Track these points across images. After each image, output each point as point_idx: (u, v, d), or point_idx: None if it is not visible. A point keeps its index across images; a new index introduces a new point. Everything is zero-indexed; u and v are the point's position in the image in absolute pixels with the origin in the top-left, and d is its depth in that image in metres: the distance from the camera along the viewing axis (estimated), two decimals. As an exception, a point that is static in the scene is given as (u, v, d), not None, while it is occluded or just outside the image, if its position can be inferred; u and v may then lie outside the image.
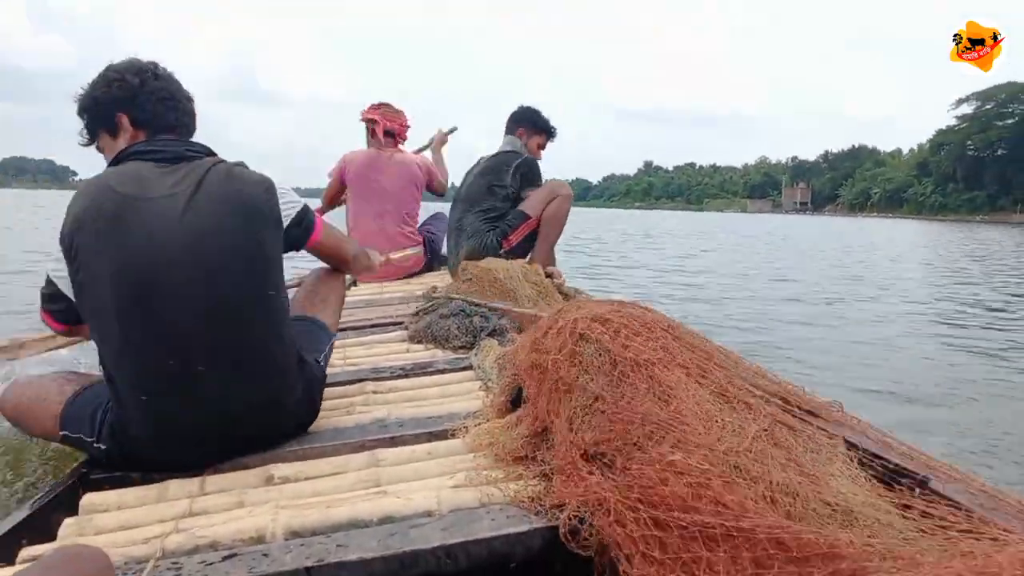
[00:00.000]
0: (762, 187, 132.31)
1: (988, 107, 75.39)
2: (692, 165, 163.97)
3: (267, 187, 1.43)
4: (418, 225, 4.07)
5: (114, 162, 1.39)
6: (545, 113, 3.75)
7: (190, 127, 1.50)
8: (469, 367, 1.99)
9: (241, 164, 1.46)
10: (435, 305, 2.49)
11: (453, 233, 3.54)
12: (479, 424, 1.45)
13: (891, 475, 1.01)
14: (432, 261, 4.10)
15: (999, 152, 74.07)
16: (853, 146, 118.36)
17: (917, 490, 0.98)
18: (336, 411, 1.69)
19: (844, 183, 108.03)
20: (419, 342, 2.33)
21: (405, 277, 3.91)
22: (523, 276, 2.65)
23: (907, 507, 0.94)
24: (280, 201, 1.45)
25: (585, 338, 1.23)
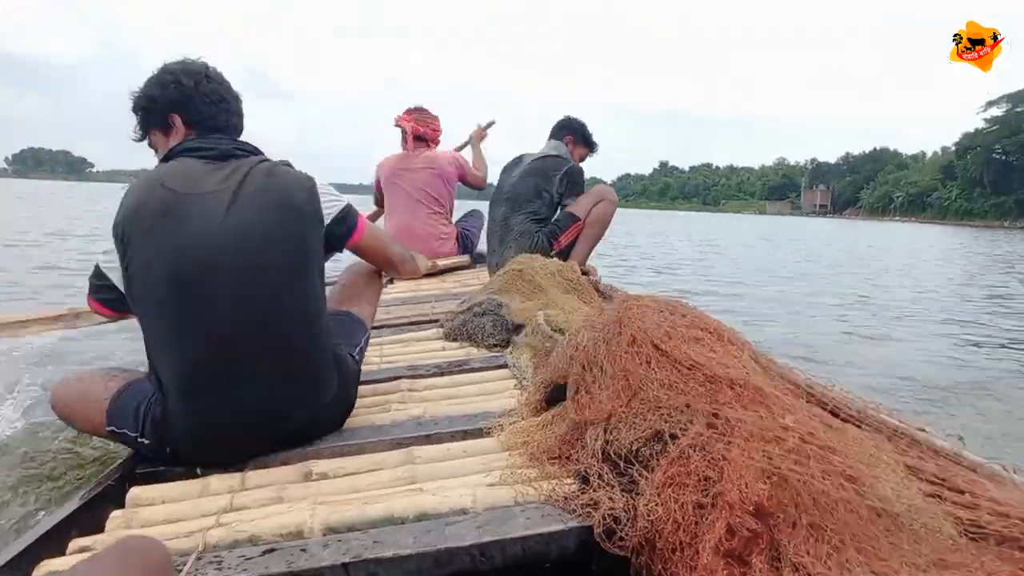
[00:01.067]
0: (780, 189, 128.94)
1: (1019, 110, 71.96)
2: (708, 165, 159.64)
3: (309, 185, 1.47)
4: (455, 220, 4.14)
5: (165, 158, 1.46)
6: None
7: (239, 127, 1.56)
8: (504, 365, 1.99)
9: (286, 163, 1.52)
10: (470, 304, 2.49)
11: (497, 231, 3.51)
12: (514, 423, 1.45)
13: (939, 481, 0.97)
14: (468, 253, 4.13)
15: (1029, 157, 70.83)
16: (875, 148, 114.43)
17: (967, 495, 0.94)
18: (373, 408, 1.70)
19: (865, 186, 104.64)
20: (455, 340, 2.34)
21: (440, 274, 3.95)
22: (558, 272, 2.64)
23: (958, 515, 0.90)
24: (321, 199, 1.49)
25: (636, 340, 1.22)
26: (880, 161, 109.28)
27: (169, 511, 1.21)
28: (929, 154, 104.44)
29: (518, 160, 3.63)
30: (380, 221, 4.16)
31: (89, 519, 1.20)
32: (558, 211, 3.50)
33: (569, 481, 1.14)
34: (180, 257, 1.30)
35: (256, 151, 1.51)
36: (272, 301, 1.36)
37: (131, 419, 1.39)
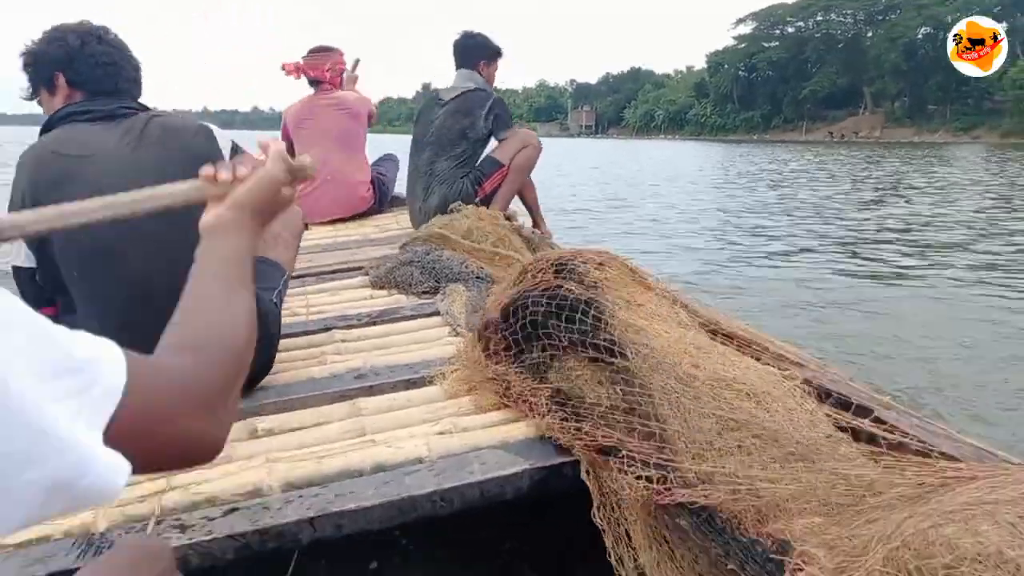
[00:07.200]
0: (547, 110, 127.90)
1: (763, 27, 76.70)
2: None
3: (207, 134, 1.46)
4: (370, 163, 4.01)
5: (47, 125, 1.39)
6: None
7: (133, 93, 1.48)
8: (436, 313, 2.01)
9: (170, 114, 1.48)
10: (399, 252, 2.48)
11: (422, 177, 3.37)
12: (455, 370, 1.49)
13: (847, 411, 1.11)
14: (382, 202, 4.04)
15: (769, 73, 76.45)
16: (632, 68, 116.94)
17: (867, 422, 1.08)
18: (308, 361, 1.70)
19: (627, 105, 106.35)
20: (382, 288, 2.33)
21: (356, 218, 3.86)
22: (479, 218, 2.66)
23: (859, 439, 1.04)
24: (220, 144, 1.47)
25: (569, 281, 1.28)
26: (639, 80, 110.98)
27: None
28: (683, 73, 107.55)
29: (435, 99, 3.45)
30: None
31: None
32: (487, 148, 3.43)
33: (520, 424, 1.21)
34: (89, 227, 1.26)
35: (143, 107, 1.46)
36: (189, 254, 1.33)
37: None
